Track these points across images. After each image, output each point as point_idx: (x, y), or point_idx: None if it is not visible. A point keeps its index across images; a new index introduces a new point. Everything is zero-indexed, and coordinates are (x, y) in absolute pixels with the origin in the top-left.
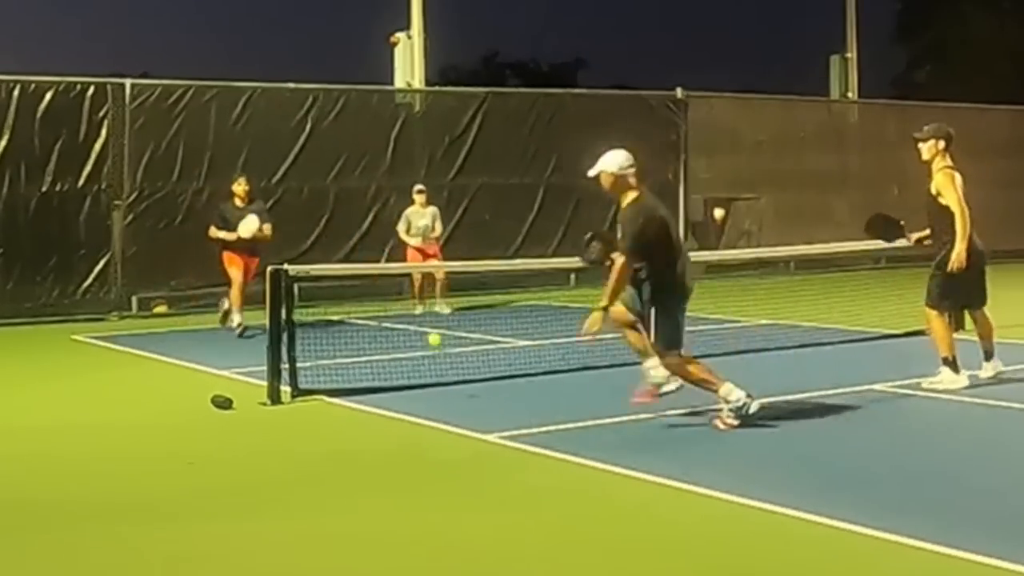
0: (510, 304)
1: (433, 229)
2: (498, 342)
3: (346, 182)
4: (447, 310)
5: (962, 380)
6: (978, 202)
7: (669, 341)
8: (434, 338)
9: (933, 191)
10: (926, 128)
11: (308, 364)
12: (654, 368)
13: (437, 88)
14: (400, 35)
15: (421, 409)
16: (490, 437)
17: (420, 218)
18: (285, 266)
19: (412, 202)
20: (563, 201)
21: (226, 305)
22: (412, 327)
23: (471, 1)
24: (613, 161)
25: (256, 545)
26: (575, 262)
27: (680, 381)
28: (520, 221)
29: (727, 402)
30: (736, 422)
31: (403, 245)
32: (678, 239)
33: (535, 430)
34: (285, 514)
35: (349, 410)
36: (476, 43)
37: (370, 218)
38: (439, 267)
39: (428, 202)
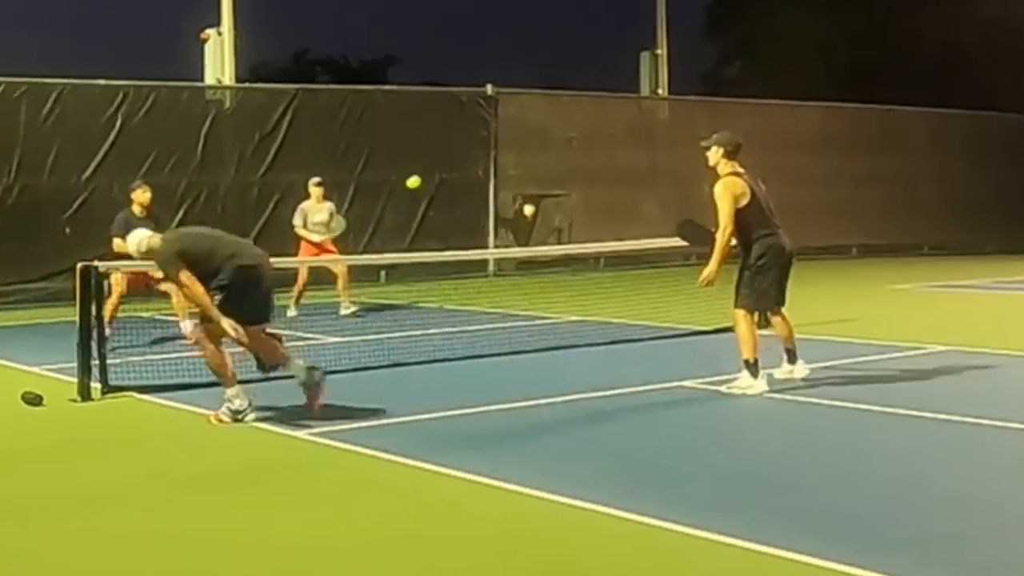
0: (318, 302)
1: (329, 226)
2: (308, 339)
3: (157, 179)
4: (351, 309)
5: (760, 386)
6: (786, 198)
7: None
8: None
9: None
10: (713, 136)
11: (118, 361)
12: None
13: (247, 85)
14: (210, 31)
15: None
16: (300, 434)
17: (317, 213)
18: (95, 262)
19: (308, 195)
20: (374, 197)
21: None
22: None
23: None
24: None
25: (61, 542)
26: (385, 258)
27: None
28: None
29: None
30: (229, 421)
31: (297, 240)
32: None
33: (344, 427)
34: (93, 510)
35: (159, 407)
36: (287, 40)
37: (181, 214)
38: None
39: (325, 197)
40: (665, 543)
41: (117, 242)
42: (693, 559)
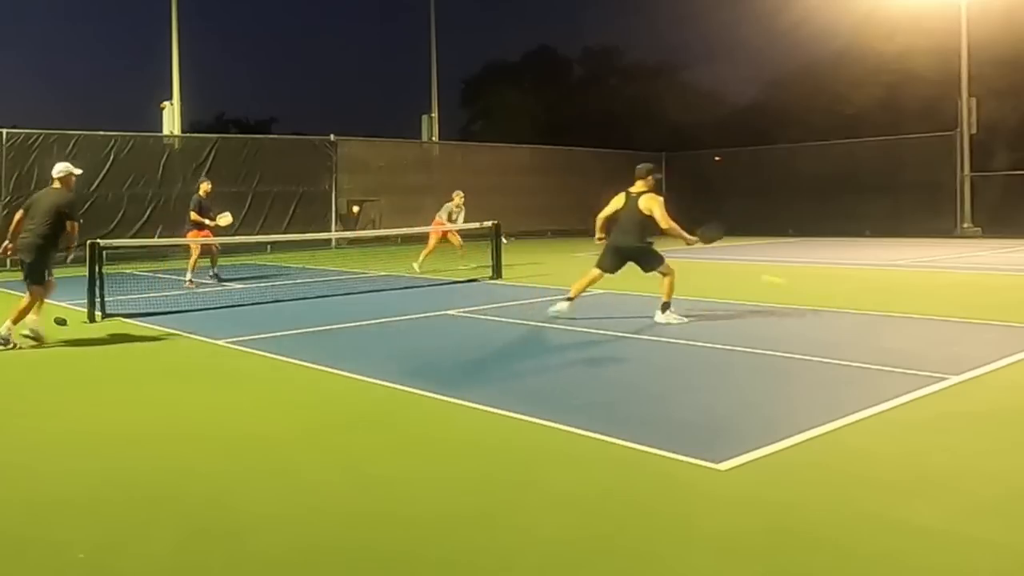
0: (233, 263)
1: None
2: (224, 286)
3: (133, 190)
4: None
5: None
6: (511, 202)
7: None
8: None
9: (643, 207)
10: (642, 168)
11: (111, 299)
12: None
13: (188, 135)
14: (167, 103)
15: (181, 326)
16: (220, 342)
17: (457, 213)
18: (99, 240)
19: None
20: (262, 202)
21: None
22: (173, 277)
23: (208, 78)
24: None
25: (80, 404)
26: (271, 238)
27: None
28: (238, 214)
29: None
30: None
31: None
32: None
33: (244, 337)
34: (93, 386)
35: (137, 326)
36: (212, 106)
37: (148, 212)
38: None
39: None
40: (427, 405)
41: (192, 214)
42: (452, 417)
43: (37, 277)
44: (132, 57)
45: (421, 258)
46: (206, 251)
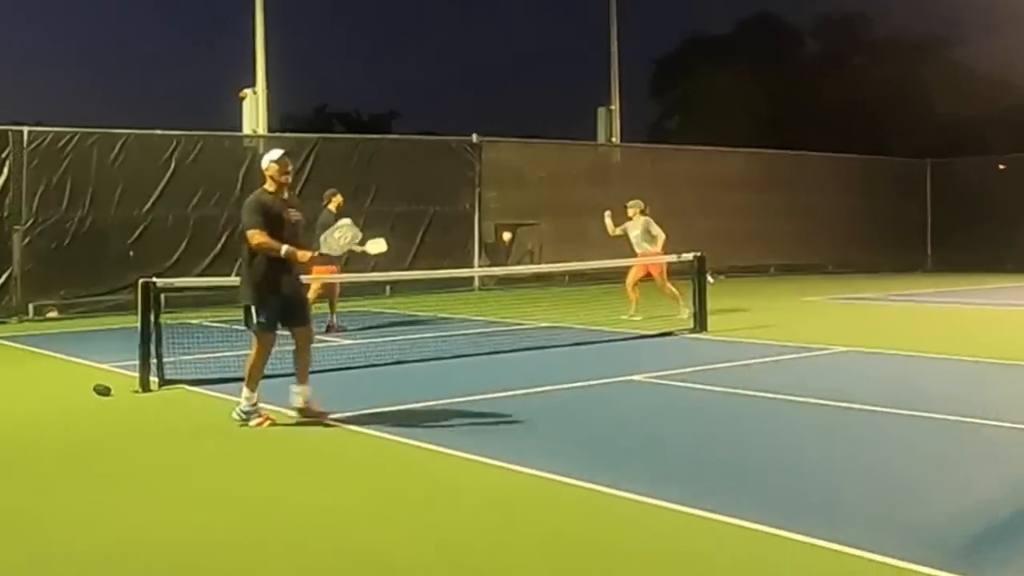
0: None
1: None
2: (327, 341)
3: (203, 211)
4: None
5: None
6: (716, 227)
7: None
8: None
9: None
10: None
11: (172, 359)
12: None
13: (277, 134)
14: (247, 91)
15: (264, 396)
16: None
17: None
18: (154, 279)
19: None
20: (381, 226)
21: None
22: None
23: (306, 61)
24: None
25: (125, 508)
26: (389, 276)
27: None
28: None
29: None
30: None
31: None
32: None
33: (356, 412)
34: (151, 479)
35: (205, 396)
36: (309, 97)
37: (223, 240)
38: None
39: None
40: (616, 508)
41: (333, 240)
42: (641, 521)
43: (247, 319)
44: (200, 30)
45: (633, 306)
46: (327, 291)
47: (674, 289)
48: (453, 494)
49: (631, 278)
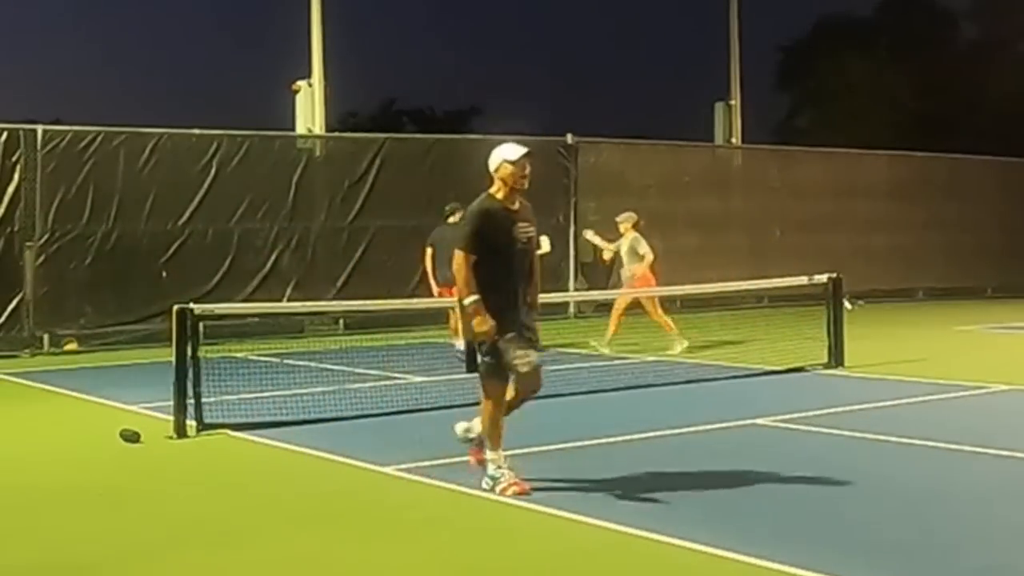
0: (406, 342)
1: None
2: (395, 378)
3: (249, 224)
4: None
5: None
6: (855, 243)
7: None
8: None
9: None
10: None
11: (213, 399)
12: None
13: (337, 134)
14: (301, 83)
15: (322, 442)
16: (387, 469)
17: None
18: (191, 305)
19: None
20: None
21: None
22: (312, 363)
23: (370, 50)
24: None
25: (161, 572)
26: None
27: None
28: (416, 262)
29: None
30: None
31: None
32: None
33: (430, 463)
34: (189, 547)
35: (252, 444)
36: (374, 91)
37: (272, 259)
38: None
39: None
40: (737, 572)
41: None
42: None
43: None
44: (244, 13)
45: (608, 336)
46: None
47: (666, 318)
48: (543, 559)
49: (622, 302)
